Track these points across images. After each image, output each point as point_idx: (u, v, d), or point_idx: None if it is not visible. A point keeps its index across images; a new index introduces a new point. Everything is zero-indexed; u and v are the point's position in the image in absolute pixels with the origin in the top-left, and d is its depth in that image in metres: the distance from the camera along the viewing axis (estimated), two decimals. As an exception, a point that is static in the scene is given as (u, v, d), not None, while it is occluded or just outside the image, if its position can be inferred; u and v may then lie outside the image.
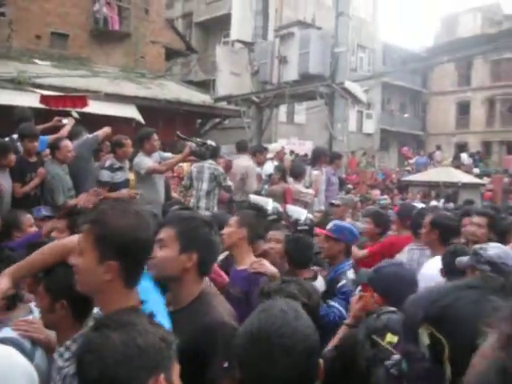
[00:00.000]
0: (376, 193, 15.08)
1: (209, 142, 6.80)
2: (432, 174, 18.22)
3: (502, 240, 4.82)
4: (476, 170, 23.86)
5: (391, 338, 2.09)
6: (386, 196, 15.15)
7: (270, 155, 9.85)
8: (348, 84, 10.70)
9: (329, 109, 11.09)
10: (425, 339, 1.20)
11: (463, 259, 3.24)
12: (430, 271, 3.68)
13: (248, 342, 1.51)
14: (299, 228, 5.15)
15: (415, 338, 1.23)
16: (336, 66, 11.04)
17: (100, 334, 1.37)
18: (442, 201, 14.46)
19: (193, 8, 29.88)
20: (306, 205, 7.89)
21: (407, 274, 2.92)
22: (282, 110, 23.62)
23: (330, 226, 4.44)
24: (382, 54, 33.24)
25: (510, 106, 36.06)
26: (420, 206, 6.05)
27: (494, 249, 3.14)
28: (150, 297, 1.92)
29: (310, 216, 5.69)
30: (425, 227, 4.42)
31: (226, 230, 3.58)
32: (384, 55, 33.42)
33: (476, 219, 4.73)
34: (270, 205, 5.32)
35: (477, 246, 3.20)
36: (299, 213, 5.55)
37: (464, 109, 38.23)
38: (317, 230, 4.85)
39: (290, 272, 3.88)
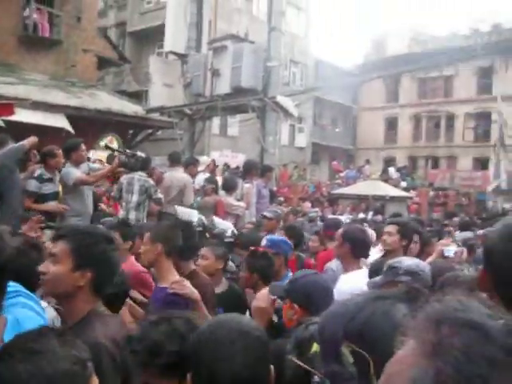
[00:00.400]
0: (307, 205, 15.31)
1: (138, 153, 6.73)
2: (361, 188, 18.67)
3: (424, 251, 5.00)
4: (403, 184, 24.61)
5: (317, 347, 2.11)
6: (316, 209, 15.42)
7: (201, 168, 9.85)
8: (280, 98, 10.84)
9: (261, 122, 11.20)
10: (349, 357, 1.19)
11: (376, 279, 3.29)
12: (345, 287, 3.67)
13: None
14: (226, 240, 5.19)
15: (338, 357, 1.22)
16: (268, 80, 11.18)
17: (4, 366, 1.25)
18: (371, 213, 14.81)
19: (126, 17, 29.58)
20: (237, 218, 7.93)
21: (323, 283, 2.93)
22: (215, 122, 23.69)
23: (264, 242, 4.47)
24: (314, 70, 33.90)
25: (436, 122, 37.50)
26: (345, 219, 6.20)
27: (408, 260, 3.24)
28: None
29: (235, 230, 5.72)
30: (337, 240, 4.42)
31: (141, 248, 3.59)
32: (316, 70, 34.07)
33: (387, 228, 4.81)
34: (195, 217, 5.33)
35: (390, 262, 3.27)
36: (225, 225, 5.58)
37: (392, 124, 39.43)
38: (257, 249, 4.87)
39: (260, 287, 3.78)
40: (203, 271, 4.04)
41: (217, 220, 6.01)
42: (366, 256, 4.53)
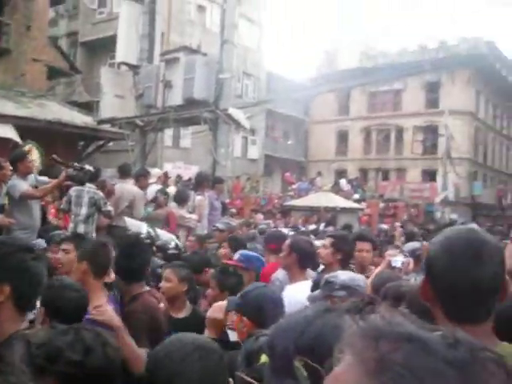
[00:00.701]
0: (259, 217, 15.37)
1: (87, 166, 6.63)
2: (313, 199, 18.87)
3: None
4: (356, 196, 25.02)
5: (265, 358, 2.12)
6: (269, 221, 15.49)
7: (152, 180, 9.78)
8: (232, 110, 10.88)
9: (213, 134, 11.20)
10: (302, 371, 1.18)
11: (315, 294, 3.33)
12: (291, 297, 3.62)
13: None
14: (170, 252, 5.13)
15: (291, 371, 1.22)
16: (220, 92, 11.20)
17: None
18: (323, 225, 14.97)
19: (78, 27, 29.18)
20: (189, 230, 7.90)
21: (273, 295, 2.93)
22: (168, 134, 23.54)
23: (237, 256, 4.44)
24: (266, 82, 34.14)
25: (385, 135, 38.27)
26: (287, 231, 6.26)
27: (343, 274, 3.29)
28: None
29: (178, 242, 5.67)
30: (284, 250, 4.43)
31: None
32: (268, 83, 34.33)
33: (324, 241, 4.85)
34: (143, 229, 5.28)
35: (326, 276, 3.31)
36: (168, 237, 5.55)
37: (343, 137, 40.05)
38: (228, 262, 4.81)
39: None
40: (166, 294, 3.93)
41: (159, 232, 5.95)
42: (313, 267, 4.56)
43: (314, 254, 4.57)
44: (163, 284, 4.02)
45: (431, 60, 32.31)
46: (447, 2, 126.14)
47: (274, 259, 5.10)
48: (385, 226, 17.00)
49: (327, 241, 4.76)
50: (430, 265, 1.62)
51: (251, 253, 4.71)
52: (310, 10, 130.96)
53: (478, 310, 1.50)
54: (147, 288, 3.69)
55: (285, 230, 6.91)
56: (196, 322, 3.92)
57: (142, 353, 2.88)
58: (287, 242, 4.56)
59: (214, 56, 12.41)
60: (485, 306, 1.53)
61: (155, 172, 10.77)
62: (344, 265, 4.56)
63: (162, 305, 3.78)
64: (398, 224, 18.26)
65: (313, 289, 3.70)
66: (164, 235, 5.76)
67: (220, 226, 6.98)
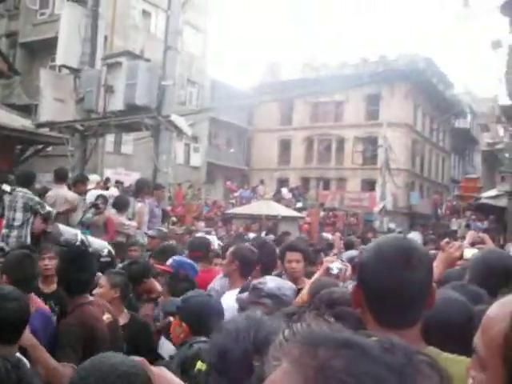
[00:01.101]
0: (201, 225, 15.30)
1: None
2: (254, 207, 18.97)
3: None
4: (300, 204, 25.33)
5: (201, 365, 2.12)
6: (210, 228, 15.45)
7: (91, 186, 9.60)
8: (174, 117, 10.80)
9: (154, 141, 11.09)
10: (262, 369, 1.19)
11: (243, 296, 3.37)
12: (230, 303, 3.67)
13: None
14: (102, 260, 5.05)
15: (250, 370, 1.23)
16: (163, 99, 11.10)
17: None
18: (264, 233, 15.06)
19: (18, 28, 28.35)
20: (128, 237, 7.79)
21: (215, 306, 2.94)
22: (109, 139, 23.16)
23: (170, 261, 4.39)
24: (210, 90, 34.12)
25: (327, 145, 38.85)
26: (213, 238, 6.30)
27: (271, 281, 3.32)
28: None
29: (112, 249, 5.57)
30: (227, 258, 4.47)
31: None
32: (212, 91, 34.32)
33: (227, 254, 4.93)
34: (78, 236, 5.18)
35: (255, 282, 3.35)
36: (100, 245, 5.46)
37: (285, 146, 40.40)
38: (158, 266, 4.75)
39: None
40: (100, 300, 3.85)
41: (91, 239, 5.84)
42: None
43: (256, 261, 4.55)
44: (96, 290, 3.97)
45: (371, 73, 33.14)
46: (388, 17, 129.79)
47: (200, 267, 5.07)
48: (328, 235, 17.23)
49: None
50: (362, 271, 1.65)
51: (184, 259, 4.66)
52: (255, 21, 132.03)
53: (406, 315, 1.53)
54: (91, 298, 3.60)
55: (210, 238, 6.91)
56: (135, 329, 3.95)
57: (64, 368, 2.78)
58: (230, 249, 4.57)
59: (158, 62, 12.31)
60: (413, 312, 1.56)
61: (94, 178, 10.60)
62: (245, 276, 4.59)
63: (106, 316, 3.63)
64: (338, 234, 18.56)
65: (240, 292, 3.75)
66: (96, 242, 5.63)
67: (151, 232, 6.89)
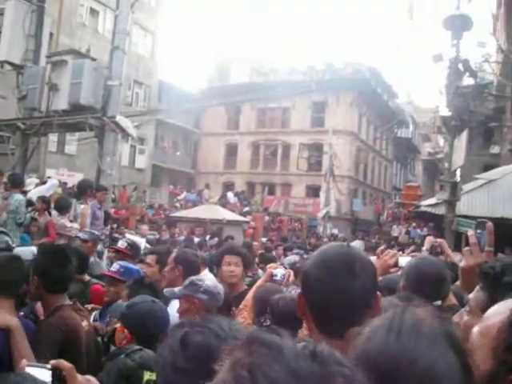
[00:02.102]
0: (145, 228, 15.12)
1: None
2: (199, 211, 18.89)
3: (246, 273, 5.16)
4: (247, 208, 25.42)
5: (150, 375, 2.08)
6: (154, 231, 15.31)
7: (29, 187, 9.38)
8: (119, 118, 10.65)
9: (99, 141, 10.90)
10: None
11: (175, 290, 3.35)
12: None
13: None
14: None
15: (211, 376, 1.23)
16: (108, 99, 10.95)
17: None
18: (208, 237, 15.02)
19: (-44, 21, 27.40)
20: (69, 239, 7.64)
21: (159, 312, 2.88)
22: (52, 139, 22.64)
23: (115, 267, 4.27)
24: (157, 91, 33.83)
25: (273, 150, 39.09)
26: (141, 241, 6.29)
27: (208, 280, 3.38)
28: None
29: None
30: (169, 264, 4.36)
31: None
32: (160, 92, 34.03)
33: (147, 259, 4.90)
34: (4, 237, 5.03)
35: (194, 278, 3.37)
36: (25, 250, 5.33)
37: (232, 150, 40.43)
38: (106, 273, 4.64)
39: None
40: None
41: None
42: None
43: (199, 265, 4.53)
44: None
45: (318, 81, 33.57)
46: (336, 26, 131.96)
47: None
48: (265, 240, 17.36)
49: (150, 258, 4.74)
50: (305, 279, 1.66)
51: (131, 265, 4.54)
52: (204, 23, 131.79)
53: (348, 324, 1.50)
54: (69, 302, 3.33)
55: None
56: None
57: None
58: (173, 254, 4.50)
59: (104, 62, 12.13)
60: (356, 321, 1.50)
61: (31, 181, 10.36)
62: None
63: (85, 323, 3.46)
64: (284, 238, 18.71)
65: None
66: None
67: (82, 235, 6.66)
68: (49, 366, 1.60)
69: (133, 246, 5.36)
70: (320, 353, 0.75)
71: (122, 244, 5.51)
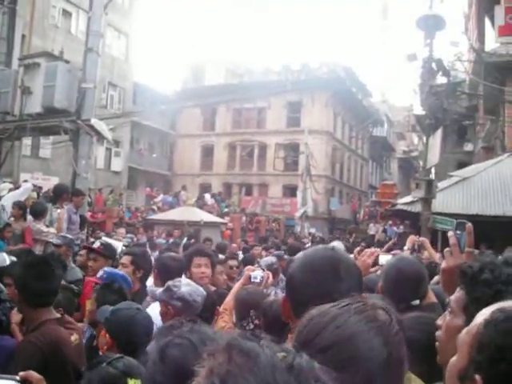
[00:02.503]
0: (122, 231, 15.02)
1: None
2: (176, 213, 18.83)
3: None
4: (226, 210, 25.43)
5: (134, 382, 2.06)
6: (131, 234, 15.20)
7: (2, 193, 9.25)
8: (94, 121, 10.55)
9: (73, 145, 10.78)
10: None
11: (156, 292, 3.38)
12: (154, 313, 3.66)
13: None
14: None
15: None
16: (83, 102, 10.83)
17: None
18: (186, 238, 14.97)
19: None
20: (46, 244, 7.55)
21: (142, 320, 2.85)
22: (26, 142, 22.36)
23: (100, 273, 4.18)
24: (132, 94, 33.60)
25: (249, 151, 39.11)
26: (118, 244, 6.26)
27: (185, 286, 3.33)
28: None
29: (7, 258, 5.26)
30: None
31: None
32: (134, 95, 33.81)
33: (122, 259, 4.83)
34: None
35: (170, 283, 3.36)
36: None
37: (208, 152, 40.34)
38: (89, 279, 4.56)
39: None
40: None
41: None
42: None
43: (180, 270, 4.43)
44: None
45: (294, 80, 33.70)
46: (312, 26, 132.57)
47: None
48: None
49: (126, 259, 4.68)
50: (290, 282, 1.65)
51: (117, 270, 4.41)
52: (178, 24, 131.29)
53: None
54: (57, 315, 3.11)
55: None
56: None
57: None
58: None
59: (78, 64, 12.00)
60: None
61: (4, 186, 10.20)
62: (143, 282, 4.56)
63: (74, 337, 3.29)
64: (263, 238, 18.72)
65: None
66: None
67: (55, 240, 6.55)
68: (18, 378, 1.59)
69: (107, 246, 5.27)
70: (298, 365, 0.74)
71: (95, 244, 5.42)
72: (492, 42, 18.28)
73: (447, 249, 2.08)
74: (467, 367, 1.18)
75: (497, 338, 1.12)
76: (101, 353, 2.85)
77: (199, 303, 3.28)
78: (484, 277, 1.63)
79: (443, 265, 2.09)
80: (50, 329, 2.93)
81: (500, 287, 1.54)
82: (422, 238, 4.89)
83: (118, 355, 2.28)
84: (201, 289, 3.51)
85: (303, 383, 0.72)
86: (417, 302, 2.74)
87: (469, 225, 2.08)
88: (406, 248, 4.70)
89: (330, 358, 1.03)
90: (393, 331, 1.15)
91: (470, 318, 1.37)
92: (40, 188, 17.83)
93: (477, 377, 1.12)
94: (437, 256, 4.82)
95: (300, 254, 1.78)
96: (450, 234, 2.08)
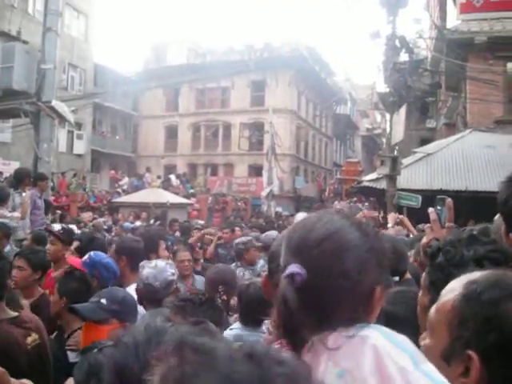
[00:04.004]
0: (87, 215, 14.84)
1: None
2: (142, 196, 18.64)
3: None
4: (192, 191, 25.34)
5: None
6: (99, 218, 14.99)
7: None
8: (55, 103, 10.29)
9: (34, 128, 10.51)
10: None
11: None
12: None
13: None
14: None
15: None
16: (42, 84, 10.55)
17: None
18: (152, 220, 14.88)
19: None
20: (12, 230, 7.37)
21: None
22: (-16, 126, 21.78)
23: (85, 257, 3.80)
24: (93, 75, 32.97)
25: (214, 131, 38.93)
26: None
27: (148, 268, 3.33)
28: None
29: None
30: (111, 256, 4.07)
31: None
32: (96, 76, 33.19)
33: (17, 262, 4.13)
34: None
35: (141, 264, 3.35)
36: None
37: (172, 133, 40.03)
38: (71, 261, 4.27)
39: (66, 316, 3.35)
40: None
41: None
42: None
43: (143, 250, 4.35)
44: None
45: (257, 60, 33.52)
46: (274, 4, 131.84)
47: None
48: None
49: (20, 262, 4.14)
50: (271, 261, 1.64)
51: (103, 255, 3.97)
52: (139, 4, 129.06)
53: None
54: (13, 314, 2.78)
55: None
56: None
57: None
58: (113, 246, 4.34)
59: (36, 45, 11.69)
60: None
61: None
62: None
63: (32, 338, 2.83)
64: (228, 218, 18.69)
65: None
66: None
67: None
68: None
69: (66, 231, 5.09)
70: (257, 353, 0.72)
71: (56, 227, 5.23)
72: (453, 19, 18.44)
73: (428, 225, 2.08)
74: (450, 346, 1.18)
75: (482, 310, 1.13)
76: None
77: (157, 287, 3.27)
78: (438, 261, 1.67)
79: (424, 240, 2.09)
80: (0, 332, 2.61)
81: (452, 270, 1.56)
82: (401, 216, 4.97)
83: (110, 342, 2.21)
84: (170, 271, 3.46)
85: (266, 369, 0.69)
86: (396, 278, 2.76)
87: (449, 200, 2.09)
88: (389, 226, 4.76)
89: (325, 249, 1.15)
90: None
91: (433, 298, 1.41)
92: (0, 173, 17.44)
93: (470, 353, 1.12)
94: (414, 232, 4.89)
95: (282, 232, 1.78)
96: (431, 209, 2.09)
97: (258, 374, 0.68)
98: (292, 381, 0.70)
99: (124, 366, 1.19)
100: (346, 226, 1.20)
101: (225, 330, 3.16)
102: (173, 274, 3.46)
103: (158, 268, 3.38)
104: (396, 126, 15.43)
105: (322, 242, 1.16)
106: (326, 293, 1.12)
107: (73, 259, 3.99)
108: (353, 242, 1.17)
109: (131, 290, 3.47)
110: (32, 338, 2.80)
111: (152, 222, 14.59)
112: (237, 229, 9.50)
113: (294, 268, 1.14)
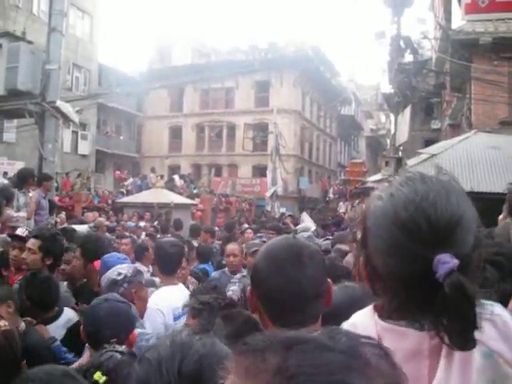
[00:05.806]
0: (93, 215, 14.85)
1: None
2: (146, 196, 18.65)
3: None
4: (196, 191, 25.35)
5: (99, 376, 1.98)
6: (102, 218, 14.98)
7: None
8: (60, 103, 10.30)
9: (39, 128, 10.52)
10: None
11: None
12: (159, 302, 3.69)
13: None
14: None
15: None
16: (47, 84, 10.56)
17: None
18: (156, 222, 14.88)
19: None
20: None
21: (124, 310, 2.68)
22: (-11, 126, 21.84)
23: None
24: (98, 75, 33.02)
25: (218, 131, 38.92)
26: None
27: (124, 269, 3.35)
28: None
29: None
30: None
31: None
32: (100, 76, 33.23)
33: (28, 243, 4.28)
34: None
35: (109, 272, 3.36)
36: None
37: (176, 133, 40.02)
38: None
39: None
40: None
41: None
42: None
43: (180, 256, 4.19)
44: None
45: (261, 60, 33.49)
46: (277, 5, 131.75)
47: None
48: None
49: (32, 243, 4.20)
50: (254, 274, 1.64)
51: (115, 260, 3.78)
52: (144, 4, 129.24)
53: (302, 314, 1.50)
54: None
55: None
56: None
57: None
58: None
59: (41, 45, 11.69)
60: (310, 309, 1.54)
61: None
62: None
63: (3, 323, 2.58)
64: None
65: None
66: None
67: None
68: None
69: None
70: (339, 331, 0.71)
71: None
72: (458, 19, 18.37)
73: None
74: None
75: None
76: None
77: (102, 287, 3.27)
78: None
79: None
80: None
81: None
82: None
83: (122, 348, 2.21)
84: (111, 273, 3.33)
85: (354, 340, 0.69)
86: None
87: None
88: None
89: None
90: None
91: None
92: (5, 173, 17.47)
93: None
94: None
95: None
96: None
97: (354, 344, 0.68)
98: (373, 345, 0.69)
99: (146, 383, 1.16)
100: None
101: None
102: (119, 274, 3.25)
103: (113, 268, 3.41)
104: (400, 126, 15.40)
105: None
106: None
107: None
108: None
109: (166, 290, 3.76)
110: (2, 323, 2.61)
111: (156, 222, 14.60)
112: (248, 231, 9.49)
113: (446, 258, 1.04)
